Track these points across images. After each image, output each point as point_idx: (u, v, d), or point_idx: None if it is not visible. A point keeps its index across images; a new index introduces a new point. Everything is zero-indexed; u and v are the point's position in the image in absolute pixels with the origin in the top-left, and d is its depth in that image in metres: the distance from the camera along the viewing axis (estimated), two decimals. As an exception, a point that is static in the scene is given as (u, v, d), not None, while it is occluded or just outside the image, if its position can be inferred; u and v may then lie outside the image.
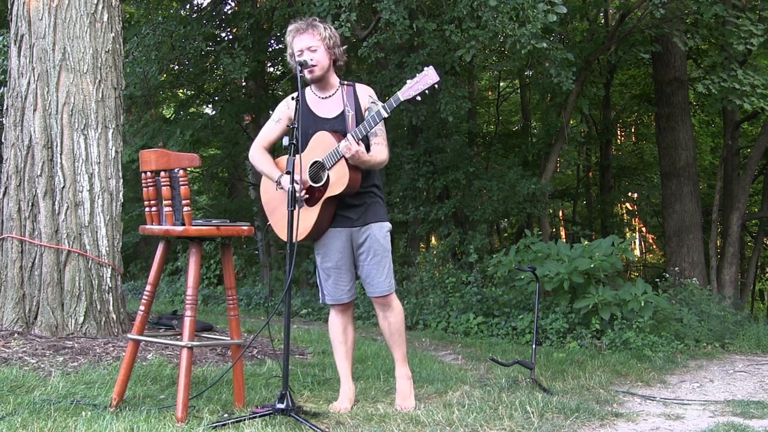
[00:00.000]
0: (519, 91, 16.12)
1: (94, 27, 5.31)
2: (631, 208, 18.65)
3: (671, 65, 10.86)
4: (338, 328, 3.96)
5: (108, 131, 5.34)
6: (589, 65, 10.75)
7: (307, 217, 3.70)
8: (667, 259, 11.13)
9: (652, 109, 12.40)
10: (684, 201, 10.58)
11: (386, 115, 3.58)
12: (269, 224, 3.91)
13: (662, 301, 7.13)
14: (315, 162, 3.71)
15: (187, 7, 12.81)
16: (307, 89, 3.90)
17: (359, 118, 3.74)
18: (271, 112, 15.11)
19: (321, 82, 3.81)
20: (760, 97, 8.44)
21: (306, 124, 3.74)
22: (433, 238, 14.25)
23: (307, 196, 3.73)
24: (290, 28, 3.82)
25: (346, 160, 3.62)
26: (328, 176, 3.68)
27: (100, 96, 5.31)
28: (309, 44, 3.72)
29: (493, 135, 15.24)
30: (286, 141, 3.51)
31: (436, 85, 3.54)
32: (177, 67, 12.48)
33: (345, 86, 3.85)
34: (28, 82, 5.20)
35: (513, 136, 15.87)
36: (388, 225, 3.86)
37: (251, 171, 15.08)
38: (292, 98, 3.73)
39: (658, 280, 8.93)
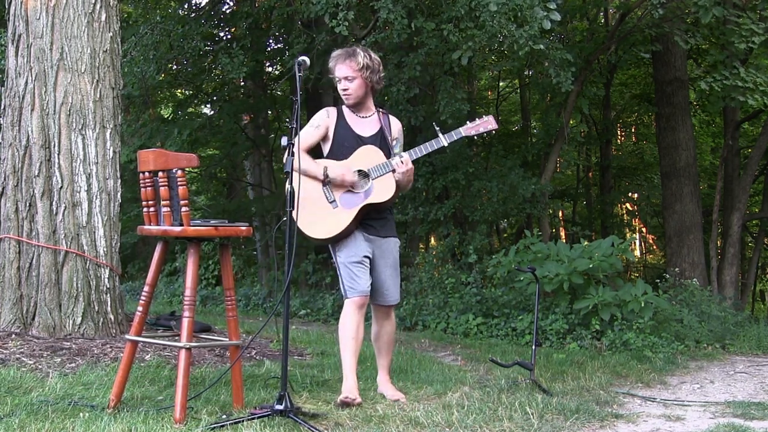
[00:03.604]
0: (519, 91, 16.09)
1: (92, 26, 5.29)
2: (631, 209, 18.61)
3: (671, 65, 10.83)
4: (354, 324, 3.98)
5: (106, 131, 5.32)
6: (589, 65, 10.73)
7: (340, 219, 3.92)
8: (668, 259, 11.11)
9: (652, 109, 12.37)
10: (684, 201, 10.56)
11: (445, 144, 4.00)
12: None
13: (662, 301, 7.12)
14: (359, 171, 3.99)
15: (186, 6, 12.78)
16: (344, 107, 4.17)
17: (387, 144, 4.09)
18: (270, 111, 14.99)
19: (357, 105, 4.12)
20: (762, 94, 8.42)
21: (343, 137, 4.05)
22: (432, 239, 14.22)
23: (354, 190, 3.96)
24: (333, 54, 4.12)
25: (394, 174, 3.95)
26: (371, 185, 3.96)
27: (98, 96, 5.29)
28: (346, 74, 4.02)
29: (493, 135, 15.19)
30: (285, 141, 3.51)
31: (494, 131, 4.15)
32: (175, 66, 12.44)
33: (381, 113, 4.18)
34: (26, 82, 5.18)
35: (513, 136, 15.82)
36: (399, 241, 4.23)
37: (250, 171, 15.05)
38: (335, 108, 4.16)
39: (658, 280, 8.91)
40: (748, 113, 11.80)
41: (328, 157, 4.08)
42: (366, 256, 3.98)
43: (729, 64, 8.84)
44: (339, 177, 3.94)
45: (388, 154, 4.05)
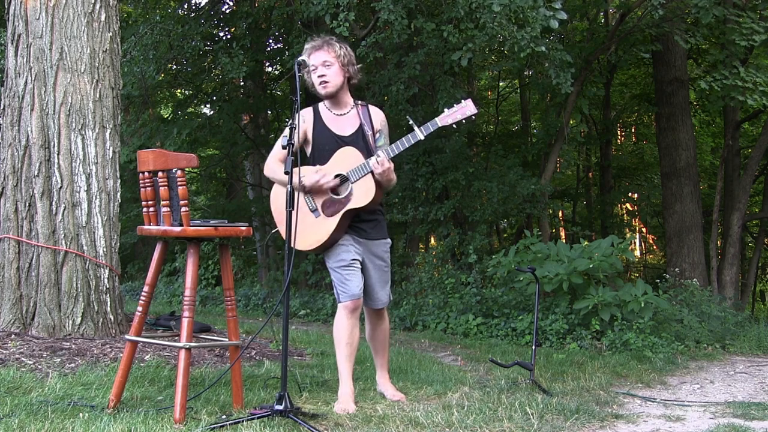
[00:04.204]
0: (519, 90, 16.10)
1: (91, 26, 5.29)
2: (631, 209, 18.61)
3: (672, 65, 10.83)
4: (347, 329, 3.93)
5: (105, 131, 5.32)
6: (589, 65, 10.73)
7: (323, 228, 3.81)
8: (668, 259, 11.11)
9: (653, 109, 12.37)
10: (684, 201, 10.56)
11: (422, 138, 3.76)
12: (275, 231, 3.90)
13: (662, 302, 7.11)
14: (338, 175, 3.82)
15: (185, 6, 12.78)
16: (321, 105, 4.02)
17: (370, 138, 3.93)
18: (269, 112, 14.94)
19: (334, 98, 3.95)
20: (762, 94, 8.42)
21: (322, 140, 3.92)
22: (432, 239, 14.22)
23: (337, 196, 3.81)
24: (307, 45, 3.95)
25: (373, 175, 3.76)
26: (351, 189, 3.79)
27: (98, 96, 5.29)
28: (324, 59, 3.85)
29: (493, 135, 15.21)
30: (284, 141, 3.50)
31: (473, 117, 3.81)
32: (175, 66, 12.46)
33: (359, 105, 4.00)
34: (26, 82, 5.17)
35: (513, 136, 15.84)
36: (390, 241, 4.08)
37: (249, 171, 15.06)
38: (310, 108, 3.96)
39: (658, 280, 8.90)
40: (748, 113, 11.80)
41: (311, 160, 3.95)
42: (355, 259, 3.86)
43: (729, 64, 8.85)
44: (314, 184, 3.79)
45: (368, 152, 3.87)
